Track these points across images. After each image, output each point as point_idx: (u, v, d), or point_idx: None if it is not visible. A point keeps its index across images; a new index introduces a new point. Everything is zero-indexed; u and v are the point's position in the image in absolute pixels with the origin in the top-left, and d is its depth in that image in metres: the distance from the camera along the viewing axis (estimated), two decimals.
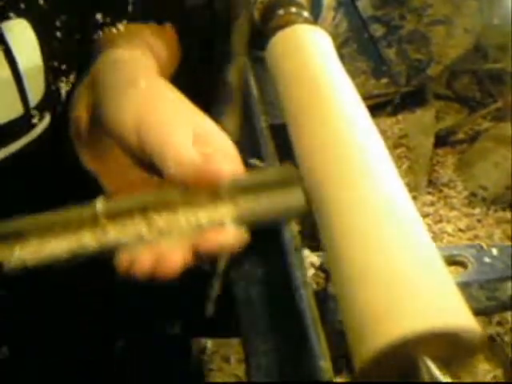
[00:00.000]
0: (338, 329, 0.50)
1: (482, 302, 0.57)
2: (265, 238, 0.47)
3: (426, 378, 0.34)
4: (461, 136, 0.93)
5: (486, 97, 0.97)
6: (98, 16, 0.58)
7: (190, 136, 0.45)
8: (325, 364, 0.36)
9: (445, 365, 0.35)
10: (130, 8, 0.60)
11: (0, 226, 0.42)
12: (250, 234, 0.49)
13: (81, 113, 0.52)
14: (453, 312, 0.35)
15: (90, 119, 0.51)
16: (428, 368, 0.35)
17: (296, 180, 0.42)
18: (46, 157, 0.57)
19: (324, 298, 0.56)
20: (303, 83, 0.55)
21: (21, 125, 0.55)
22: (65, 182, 0.62)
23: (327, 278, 0.55)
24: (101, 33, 0.58)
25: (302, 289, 0.39)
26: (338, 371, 0.64)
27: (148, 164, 0.45)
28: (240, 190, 0.42)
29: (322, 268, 0.55)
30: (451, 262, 0.55)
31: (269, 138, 0.62)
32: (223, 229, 0.41)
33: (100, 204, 0.41)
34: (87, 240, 0.42)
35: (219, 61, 0.75)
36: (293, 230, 0.44)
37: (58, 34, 0.58)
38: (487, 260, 0.59)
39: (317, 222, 0.48)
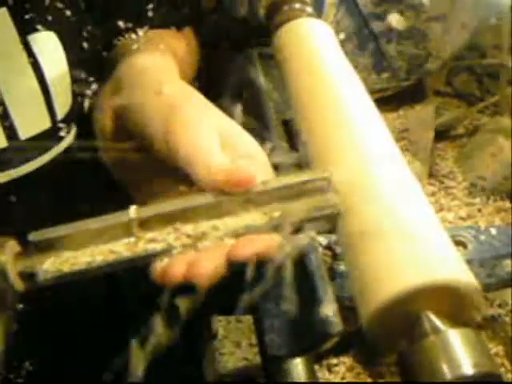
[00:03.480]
0: (345, 305, 0.51)
1: (482, 279, 0.59)
2: None
3: (429, 331, 0.37)
4: (460, 130, 0.95)
5: (484, 93, 0.99)
6: (120, 22, 0.59)
7: (218, 140, 0.44)
8: (334, 319, 0.38)
9: (447, 319, 0.38)
10: (150, 14, 0.61)
11: (35, 235, 0.41)
12: None
13: (106, 120, 0.51)
14: (451, 267, 0.38)
15: (116, 126, 0.51)
16: (430, 321, 0.37)
17: (328, 185, 0.41)
18: (73, 168, 0.57)
19: (331, 276, 0.58)
20: (309, 73, 0.58)
21: (48, 138, 0.54)
22: (93, 192, 0.63)
23: (334, 257, 0.58)
24: (121, 38, 0.60)
25: (311, 253, 0.42)
26: (346, 349, 0.66)
27: (176, 172, 0.44)
28: (271, 195, 0.41)
29: (328, 247, 0.58)
30: (452, 242, 0.57)
31: (281, 133, 0.64)
32: (256, 236, 0.40)
33: (133, 212, 0.41)
34: (121, 249, 0.41)
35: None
36: None
37: (85, 44, 0.58)
38: (486, 239, 0.61)
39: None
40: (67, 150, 0.56)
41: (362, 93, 0.57)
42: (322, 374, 0.65)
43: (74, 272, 0.40)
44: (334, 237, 0.58)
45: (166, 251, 0.41)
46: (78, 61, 0.56)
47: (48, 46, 0.53)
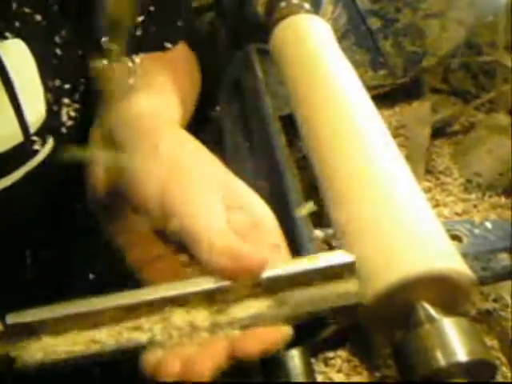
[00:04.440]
0: None
1: (477, 272, 0.60)
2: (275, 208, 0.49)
3: (424, 320, 0.38)
4: (456, 127, 0.96)
5: (480, 90, 1.00)
6: (104, 40, 0.53)
7: (221, 206, 0.39)
8: None
9: (441, 308, 0.38)
10: (138, 32, 0.57)
11: (13, 317, 0.38)
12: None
13: (98, 176, 0.47)
14: (446, 257, 0.39)
15: (109, 184, 0.47)
16: (425, 310, 0.38)
17: (348, 270, 0.37)
18: (50, 182, 0.54)
19: None
20: (307, 69, 0.59)
21: (21, 152, 0.50)
22: (70, 207, 0.61)
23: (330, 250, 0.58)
24: (106, 62, 0.53)
25: (308, 243, 0.42)
26: (341, 343, 0.66)
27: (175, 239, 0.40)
28: (283, 280, 0.37)
29: (325, 241, 0.58)
30: (447, 235, 0.58)
31: (279, 129, 0.65)
32: (264, 330, 0.36)
33: (117, 299, 0.37)
34: (104, 338, 0.37)
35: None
36: (299, 195, 0.47)
37: (58, 51, 0.54)
38: (481, 233, 0.62)
39: (324, 195, 0.51)
40: (43, 163, 0.53)
41: (360, 89, 0.57)
42: (319, 367, 0.65)
43: (53, 362, 0.38)
44: (330, 230, 0.59)
45: (152, 343, 0.37)
46: (51, 68, 0.53)
47: (16, 54, 0.50)
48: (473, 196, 0.83)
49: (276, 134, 0.62)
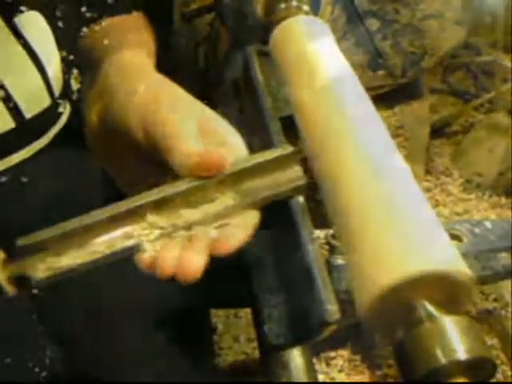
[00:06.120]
0: (342, 299, 0.52)
1: (477, 272, 0.60)
2: (273, 206, 0.50)
3: (425, 319, 0.38)
4: (456, 128, 0.96)
5: (480, 90, 1.00)
6: (83, 9, 0.59)
7: (194, 127, 0.45)
8: (331, 307, 0.39)
9: (442, 307, 0.38)
10: (110, 1, 0.61)
11: (23, 239, 0.41)
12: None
13: (93, 117, 0.54)
14: (446, 257, 0.39)
15: (102, 122, 0.53)
16: (425, 309, 0.38)
17: (294, 158, 0.45)
18: (76, 140, 0.58)
19: (328, 269, 0.59)
20: (306, 70, 0.59)
21: (51, 114, 0.56)
22: (91, 168, 0.62)
23: (331, 251, 0.59)
24: (86, 29, 0.61)
25: (309, 244, 0.42)
26: (342, 343, 0.67)
27: (158, 161, 0.46)
28: (242, 175, 0.43)
29: (326, 241, 0.59)
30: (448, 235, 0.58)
31: (279, 130, 0.65)
32: (235, 223, 0.42)
33: (108, 210, 0.42)
34: (101, 249, 0.42)
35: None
36: (300, 196, 0.48)
37: (60, 23, 0.58)
38: (481, 233, 0.62)
39: (324, 195, 0.51)
40: (67, 125, 0.58)
41: (359, 89, 0.58)
42: (320, 367, 0.65)
43: (61, 272, 0.42)
44: (331, 231, 0.59)
45: (142, 245, 0.42)
46: (58, 40, 0.57)
47: (34, 25, 0.55)
48: (472, 196, 0.83)
49: (276, 135, 0.62)
